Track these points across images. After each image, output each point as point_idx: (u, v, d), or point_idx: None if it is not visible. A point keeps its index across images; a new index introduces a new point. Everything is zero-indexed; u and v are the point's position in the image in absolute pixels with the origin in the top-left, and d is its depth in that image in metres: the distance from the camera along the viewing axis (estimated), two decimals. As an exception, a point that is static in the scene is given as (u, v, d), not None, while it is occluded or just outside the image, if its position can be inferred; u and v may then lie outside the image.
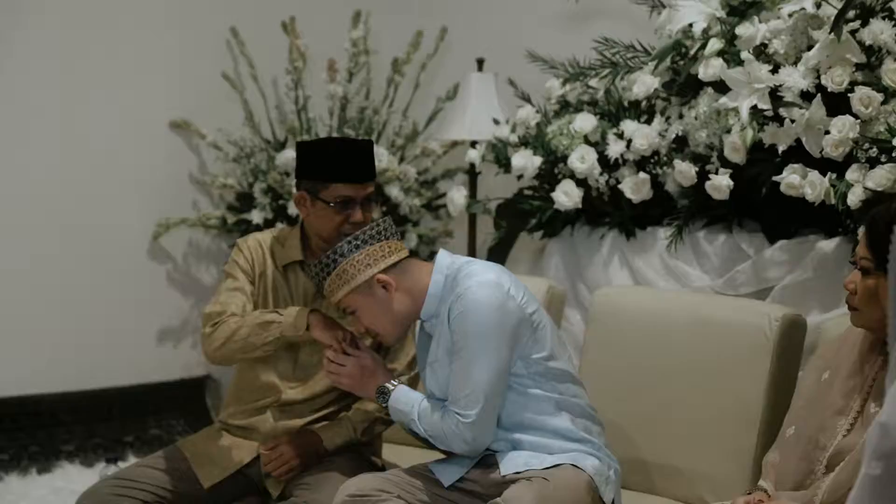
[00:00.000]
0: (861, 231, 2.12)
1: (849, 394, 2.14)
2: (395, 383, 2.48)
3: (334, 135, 3.98)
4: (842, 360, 2.19)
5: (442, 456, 2.52)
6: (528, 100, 3.56)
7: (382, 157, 3.92)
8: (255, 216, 3.88)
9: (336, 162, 2.62)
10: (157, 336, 4.07)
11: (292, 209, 3.80)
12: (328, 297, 2.47)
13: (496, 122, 3.58)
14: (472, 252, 3.89)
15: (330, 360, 2.49)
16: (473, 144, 3.69)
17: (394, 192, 3.94)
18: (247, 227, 3.86)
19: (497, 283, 2.35)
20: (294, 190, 2.84)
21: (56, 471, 3.69)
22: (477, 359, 2.31)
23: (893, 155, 2.70)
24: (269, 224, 3.85)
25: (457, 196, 3.59)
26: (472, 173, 3.78)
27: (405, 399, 2.45)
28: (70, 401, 3.85)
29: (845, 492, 2.03)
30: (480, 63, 3.86)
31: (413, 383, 2.63)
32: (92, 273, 3.91)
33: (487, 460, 2.45)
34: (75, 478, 3.56)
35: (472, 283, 2.35)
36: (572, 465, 2.39)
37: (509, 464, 2.40)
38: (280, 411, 2.70)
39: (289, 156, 3.80)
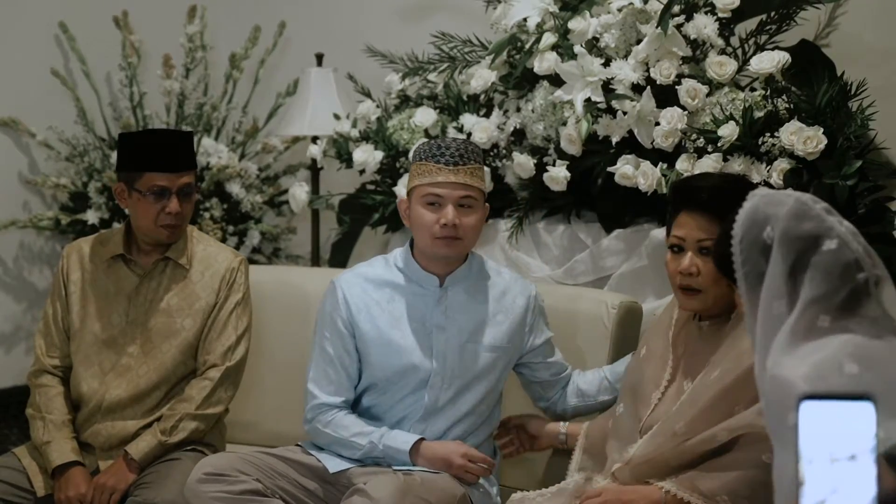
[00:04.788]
0: (706, 215, 2.18)
1: (661, 366, 2.24)
2: None
3: (172, 132, 3.89)
4: (656, 337, 2.30)
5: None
6: (368, 94, 3.55)
7: (223, 154, 3.85)
8: (91, 216, 3.76)
9: (151, 152, 2.62)
10: (-11, 343, 3.91)
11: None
12: (464, 173, 2.45)
13: (337, 117, 3.56)
14: (315, 248, 3.86)
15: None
16: (315, 140, 3.66)
17: (235, 189, 3.88)
18: (82, 228, 3.74)
19: None
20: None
21: None
22: None
23: (719, 145, 2.81)
24: (105, 224, 3.74)
25: (299, 192, 3.56)
26: (313, 169, 3.75)
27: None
28: None
29: (653, 455, 2.11)
30: (320, 58, 3.84)
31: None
32: (-85, 279, 3.73)
33: (382, 461, 2.44)
34: None
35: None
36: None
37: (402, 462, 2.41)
38: (110, 418, 2.63)
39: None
